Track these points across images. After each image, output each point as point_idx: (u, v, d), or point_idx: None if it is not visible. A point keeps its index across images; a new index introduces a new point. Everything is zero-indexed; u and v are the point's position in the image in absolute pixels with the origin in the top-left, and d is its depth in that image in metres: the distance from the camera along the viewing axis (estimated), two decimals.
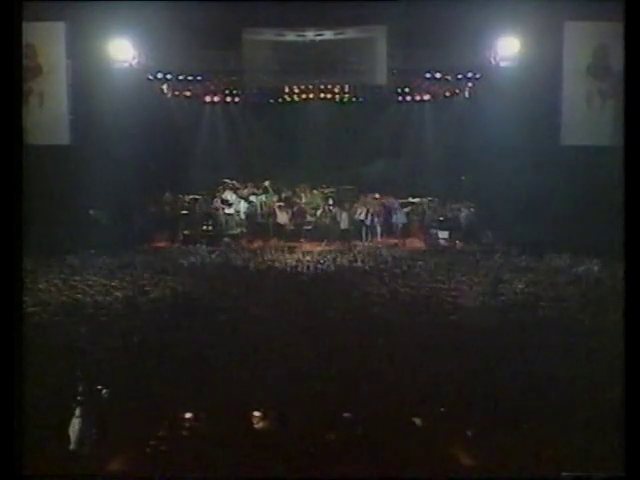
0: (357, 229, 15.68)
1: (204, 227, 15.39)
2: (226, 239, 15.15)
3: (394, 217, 15.81)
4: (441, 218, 15.30)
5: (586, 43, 13.71)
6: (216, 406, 5.40)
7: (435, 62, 14.99)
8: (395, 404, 5.40)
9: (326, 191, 16.64)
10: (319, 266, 12.01)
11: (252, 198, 16.22)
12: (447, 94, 16.50)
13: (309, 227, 15.65)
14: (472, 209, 15.09)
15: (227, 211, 15.75)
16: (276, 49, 14.66)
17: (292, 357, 6.55)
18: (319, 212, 15.92)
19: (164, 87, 16.03)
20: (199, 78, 15.92)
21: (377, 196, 16.35)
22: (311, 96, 16.42)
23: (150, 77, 15.18)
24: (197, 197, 16.06)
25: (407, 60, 14.65)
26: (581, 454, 4.42)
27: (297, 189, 16.73)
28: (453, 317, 8.31)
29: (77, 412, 5.38)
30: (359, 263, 12.35)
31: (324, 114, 17.34)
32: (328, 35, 14.45)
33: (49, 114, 13.69)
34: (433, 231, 15.27)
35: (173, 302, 9.20)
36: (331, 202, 16.30)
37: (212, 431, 5.09)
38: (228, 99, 16.86)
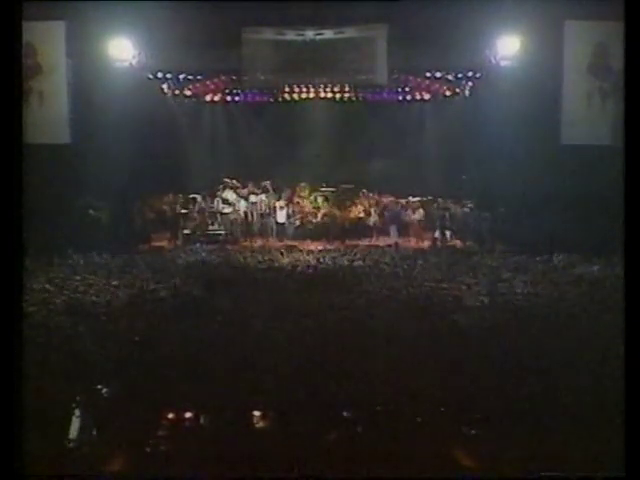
0: (357, 229, 15.68)
1: (204, 227, 15.41)
2: (226, 238, 15.14)
3: (394, 216, 15.80)
4: (441, 217, 15.29)
5: (586, 42, 13.72)
6: (216, 406, 5.39)
7: (435, 61, 14.98)
8: (395, 403, 5.40)
9: (326, 190, 16.63)
10: (319, 265, 12.02)
11: (252, 197, 16.21)
12: (447, 93, 16.50)
13: (309, 226, 15.65)
14: (472, 208, 15.08)
15: (227, 210, 15.75)
16: (276, 48, 14.65)
17: (291, 356, 6.55)
18: (319, 212, 15.92)
19: (164, 86, 16.03)
20: (199, 77, 15.94)
21: (377, 195, 16.35)
22: (311, 95, 16.40)
23: (150, 76, 15.19)
24: (197, 197, 16.05)
25: (407, 59, 14.64)
26: (581, 454, 4.41)
27: (297, 188, 16.72)
28: (453, 316, 8.31)
29: (77, 412, 5.38)
30: (359, 262, 12.35)
31: (324, 113, 17.32)
32: (328, 34, 14.44)
33: (49, 113, 13.70)
34: (433, 230, 15.27)
35: (173, 302, 9.20)
36: (331, 201, 16.30)
37: (212, 431, 5.09)
38: (228, 98, 16.85)
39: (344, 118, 17.25)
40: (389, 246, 14.43)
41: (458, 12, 12.51)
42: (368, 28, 14.45)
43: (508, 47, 13.85)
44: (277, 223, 15.63)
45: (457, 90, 16.26)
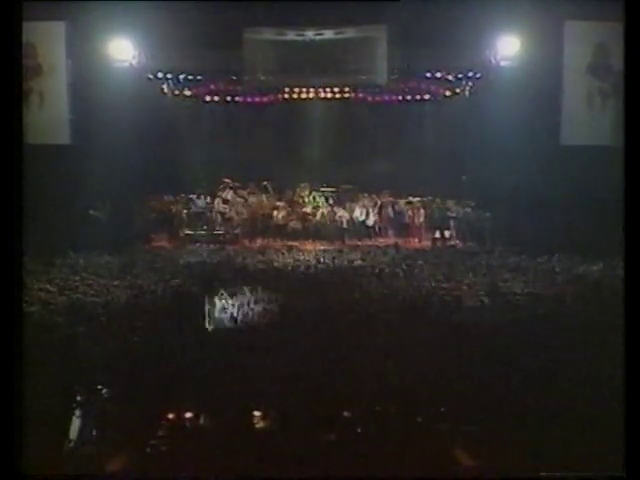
0: (357, 229, 15.69)
1: (204, 227, 15.40)
2: (226, 239, 15.13)
3: (394, 217, 15.81)
4: (441, 217, 15.29)
5: (586, 42, 13.73)
6: (216, 406, 5.40)
7: (435, 62, 14.98)
8: (395, 404, 5.40)
9: (326, 191, 16.63)
10: (319, 266, 12.01)
11: (252, 198, 16.21)
12: (447, 94, 16.49)
13: (309, 227, 15.65)
14: (472, 209, 15.08)
15: (227, 211, 15.75)
16: (276, 49, 14.65)
17: (291, 356, 6.55)
18: (319, 212, 15.92)
19: (164, 87, 16.02)
20: (199, 78, 15.92)
21: (377, 196, 16.35)
22: (311, 96, 16.40)
23: (150, 77, 15.18)
24: (197, 197, 16.05)
25: (407, 60, 14.65)
26: (581, 454, 4.41)
27: (297, 189, 16.72)
28: (453, 316, 8.31)
29: (77, 412, 5.38)
30: (359, 262, 12.35)
31: (324, 114, 17.32)
32: (328, 35, 14.44)
33: (49, 114, 13.71)
34: (433, 231, 15.28)
35: (173, 302, 9.19)
36: (331, 202, 16.30)
37: (212, 431, 5.09)
38: (228, 99, 16.85)
39: (344, 118, 17.23)
40: (389, 246, 14.42)
41: (458, 12, 12.52)
42: (368, 29, 14.45)
43: (508, 47, 13.85)
44: (277, 223, 15.63)
45: (457, 90, 16.24)
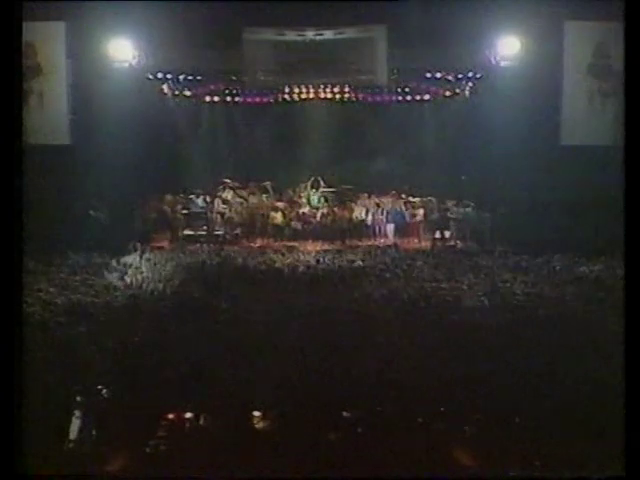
0: (357, 229, 15.69)
1: (204, 227, 15.40)
2: (226, 239, 15.14)
3: (394, 217, 15.81)
4: (441, 217, 15.29)
5: (587, 43, 13.73)
6: (216, 406, 5.40)
7: (435, 62, 14.98)
8: (395, 404, 5.40)
9: (326, 191, 16.63)
10: (319, 266, 12.01)
11: (252, 198, 16.21)
12: (447, 94, 16.49)
13: (309, 227, 15.65)
14: (472, 209, 15.07)
15: (227, 211, 15.75)
16: (276, 49, 14.65)
17: (291, 356, 6.55)
18: (319, 212, 15.92)
19: (164, 87, 16.02)
20: (199, 78, 15.91)
21: (377, 196, 16.35)
22: (311, 96, 16.40)
23: (150, 77, 15.17)
24: (197, 197, 16.04)
25: (407, 60, 14.63)
26: (581, 454, 4.41)
27: (297, 189, 16.72)
28: (453, 317, 8.31)
29: (77, 412, 5.38)
30: (359, 262, 12.34)
31: (324, 114, 17.32)
32: (328, 35, 14.43)
33: (49, 114, 13.71)
34: (433, 231, 15.27)
35: (173, 302, 9.19)
36: (331, 202, 16.30)
37: (212, 431, 5.09)
38: (228, 99, 16.85)
39: (344, 119, 17.23)
40: (389, 246, 14.42)
41: (458, 12, 12.52)
42: (368, 29, 14.44)
43: (508, 47, 13.83)
44: (277, 224, 15.63)
45: (457, 90, 16.24)
